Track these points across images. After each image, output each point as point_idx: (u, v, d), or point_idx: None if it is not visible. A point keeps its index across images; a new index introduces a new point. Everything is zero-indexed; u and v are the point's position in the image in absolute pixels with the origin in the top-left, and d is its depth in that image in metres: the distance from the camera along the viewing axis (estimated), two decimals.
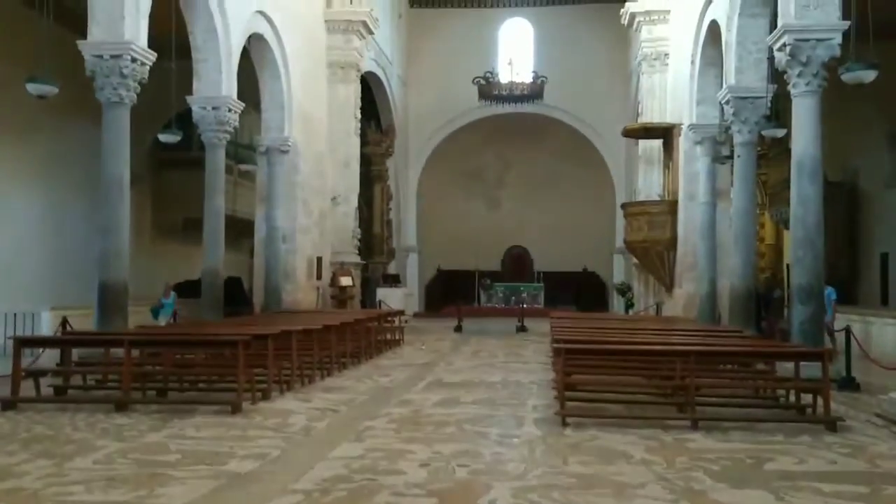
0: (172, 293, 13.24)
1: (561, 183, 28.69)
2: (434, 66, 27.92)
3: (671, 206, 17.34)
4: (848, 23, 9.45)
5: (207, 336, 8.96)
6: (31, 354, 9.12)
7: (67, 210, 17.01)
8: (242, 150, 19.06)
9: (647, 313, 18.86)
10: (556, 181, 28.76)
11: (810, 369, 7.62)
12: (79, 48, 10.47)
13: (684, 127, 16.19)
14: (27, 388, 7.92)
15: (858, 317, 12.41)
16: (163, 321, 12.65)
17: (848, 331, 9.52)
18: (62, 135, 16.54)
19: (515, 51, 27.01)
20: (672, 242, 17.32)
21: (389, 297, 20.88)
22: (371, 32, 20.43)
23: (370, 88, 23.32)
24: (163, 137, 13.65)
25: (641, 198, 19.58)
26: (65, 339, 9.09)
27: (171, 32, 12.74)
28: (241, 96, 14.19)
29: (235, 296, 17.38)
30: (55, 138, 16.42)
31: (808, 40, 9.55)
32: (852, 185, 18.42)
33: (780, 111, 13.14)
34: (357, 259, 20.32)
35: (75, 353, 9.13)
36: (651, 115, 18.88)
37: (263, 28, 15.51)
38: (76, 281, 14.45)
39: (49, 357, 9.39)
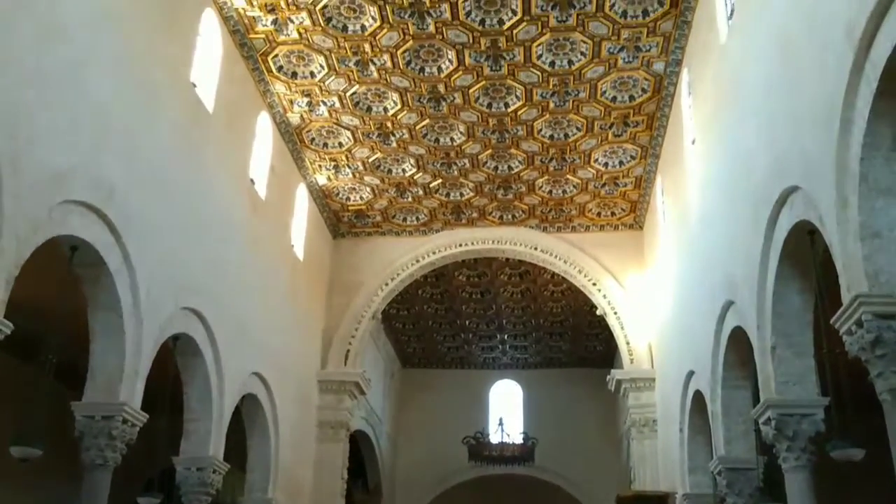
0: None
1: None
2: (424, 425, 28.03)
3: None
4: (827, 399, 9.69)
5: None
6: None
7: None
8: None
9: None
10: None
11: None
12: (71, 408, 10.51)
13: (679, 495, 15.80)
14: None
15: None
16: None
17: None
18: (34, 492, 16.00)
19: (506, 410, 27.33)
20: None
21: None
22: (363, 393, 20.79)
23: (358, 446, 23.15)
24: (142, 501, 13.17)
25: None
26: None
27: (163, 389, 12.90)
28: (226, 455, 13.99)
29: None
30: (25, 495, 15.86)
31: (792, 415, 9.69)
32: None
33: (774, 482, 12.90)
34: None
35: None
36: (644, 481, 18.51)
37: (258, 388, 15.79)
38: None
39: None
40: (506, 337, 27.33)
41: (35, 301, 10.86)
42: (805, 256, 9.08)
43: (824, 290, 9.05)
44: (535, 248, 20.53)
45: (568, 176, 18.63)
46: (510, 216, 20.35)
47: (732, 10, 11.21)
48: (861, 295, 6.90)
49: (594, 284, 20.21)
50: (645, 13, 13.77)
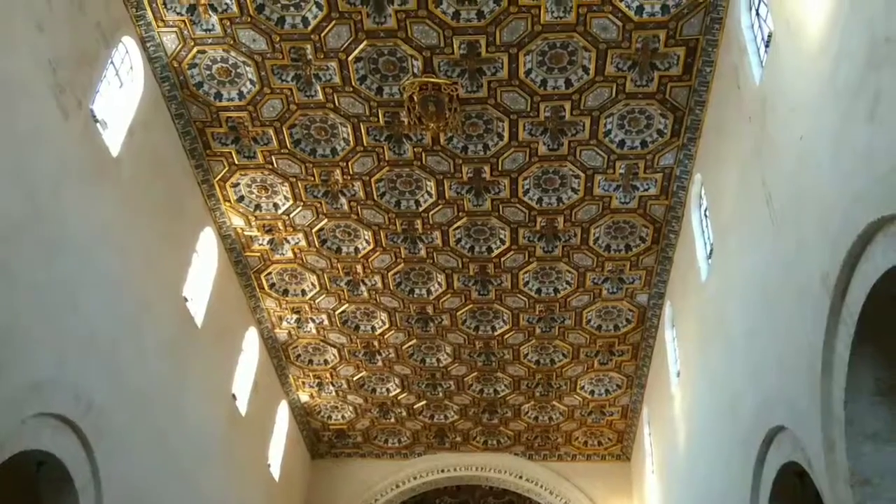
0: None
1: None
2: None
3: None
4: None
5: None
6: None
7: None
8: None
9: None
10: None
11: None
12: None
13: None
14: None
15: None
16: None
17: None
18: None
19: None
20: None
21: None
22: None
23: None
24: None
25: None
26: None
27: None
28: None
29: None
30: None
31: None
32: None
33: None
34: None
35: None
36: None
37: None
38: None
39: None
40: None
41: None
42: (796, 499, 8.80)
43: None
44: (520, 477, 19.90)
45: (554, 402, 18.47)
46: (495, 441, 19.92)
47: (711, 250, 11.67)
48: None
49: None
50: (627, 248, 14.33)
